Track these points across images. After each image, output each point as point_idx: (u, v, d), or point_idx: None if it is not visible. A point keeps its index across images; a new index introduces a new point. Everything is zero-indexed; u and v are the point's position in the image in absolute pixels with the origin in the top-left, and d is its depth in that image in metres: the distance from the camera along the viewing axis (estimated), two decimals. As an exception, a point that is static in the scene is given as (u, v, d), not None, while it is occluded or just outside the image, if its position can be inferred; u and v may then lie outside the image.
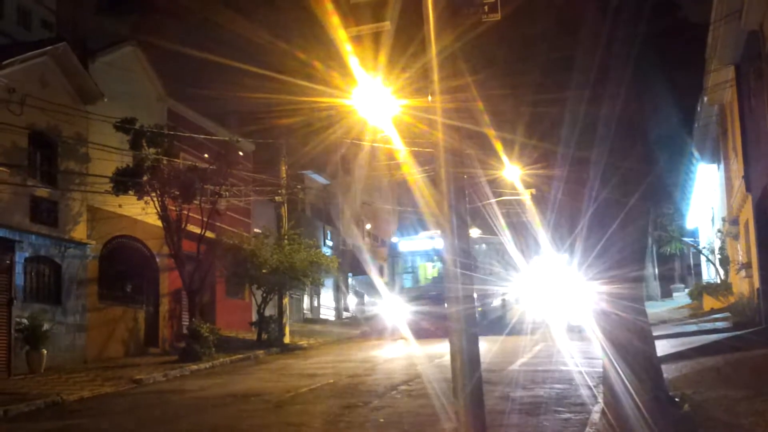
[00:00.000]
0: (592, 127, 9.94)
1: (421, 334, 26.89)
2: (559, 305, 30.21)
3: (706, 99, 23.76)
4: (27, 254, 22.66)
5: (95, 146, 24.11)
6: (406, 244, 34.36)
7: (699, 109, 25.79)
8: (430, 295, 29.19)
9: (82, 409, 15.99)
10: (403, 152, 21.02)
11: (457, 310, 4.64)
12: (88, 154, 25.03)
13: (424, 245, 32.82)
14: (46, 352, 21.87)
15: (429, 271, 33.37)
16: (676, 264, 54.77)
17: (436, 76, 5.04)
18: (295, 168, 37.29)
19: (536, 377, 16.62)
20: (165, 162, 25.21)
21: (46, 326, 22.07)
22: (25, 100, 22.11)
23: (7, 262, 21.75)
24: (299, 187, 36.12)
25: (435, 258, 30.83)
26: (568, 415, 12.22)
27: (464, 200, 4.99)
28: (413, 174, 23.68)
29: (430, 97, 5.20)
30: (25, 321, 21.70)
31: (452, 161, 5.07)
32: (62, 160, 24.68)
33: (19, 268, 22.16)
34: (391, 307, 32.01)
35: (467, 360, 4.61)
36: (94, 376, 20.50)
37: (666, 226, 39.30)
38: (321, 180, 44.38)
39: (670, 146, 30.45)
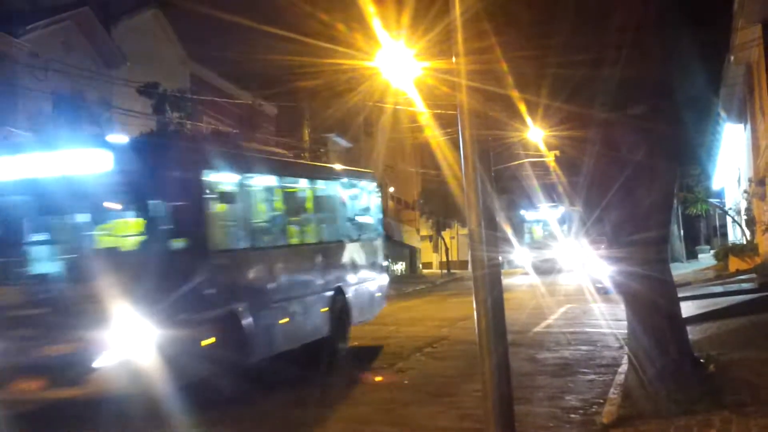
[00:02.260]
0: (620, 88, 9.83)
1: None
2: (588, 266, 30.20)
3: (732, 58, 23.42)
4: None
5: (119, 111, 24.20)
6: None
7: (725, 68, 25.45)
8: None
9: None
10: (425, 115, 20.90)
11: (482, 273, 4.62)
12: (112, 119, 25.12)
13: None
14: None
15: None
16: (702, 225, 54.42)
17: (460, 37, 4.98)
18: (318, 131, 37.24)
19: (561, 339, 16.63)
20: (189, 126, 25.26)
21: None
22: (49, 65, 22.18)
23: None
24: (322, 150, 36.10)
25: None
26: (593, 376, 12.24)
27: (489, 162, 4.95)
28: (436, 136, 23.57)
29: (454, 59, 5.13)
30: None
31: (476, 123, 5.01)
32: (86, 125, 24.78)
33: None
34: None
35: (493, 324, 4.60)
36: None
37: (692, 187, 39.01)
38: (344, 143, 44.30)
39: (696, 106, 30.11)
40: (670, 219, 11.68)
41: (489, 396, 4.65)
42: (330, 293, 15.04)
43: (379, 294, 17.85)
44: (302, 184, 15.31)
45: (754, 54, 22.45)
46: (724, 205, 41.36)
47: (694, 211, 41.24)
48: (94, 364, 9.79)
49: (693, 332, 13.19)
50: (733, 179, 37.44)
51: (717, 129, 33.79)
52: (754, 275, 24.21)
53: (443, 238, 52.10)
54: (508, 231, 38.10)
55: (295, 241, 14.69)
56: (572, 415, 9.75)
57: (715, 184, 42.01)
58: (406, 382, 12.67)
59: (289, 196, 14.69)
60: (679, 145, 15.92)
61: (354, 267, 16.51)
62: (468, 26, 5.14)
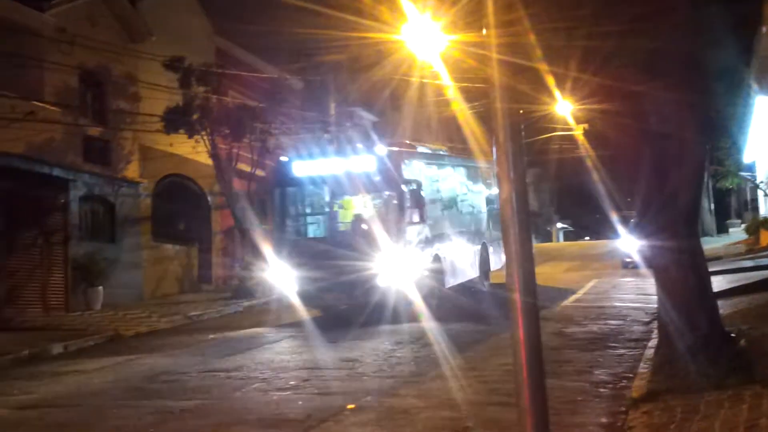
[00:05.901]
0: (649, 59, 9.69)
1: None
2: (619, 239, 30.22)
3: (765, 29, 23.04)
4: (81, 193, 22.98)
5: (145, 85, 24.21)
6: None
7: (758, 40, 25.04)
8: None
9: (139, 344, 16.31)
10: (451, 88, 20.77)
11: (514, 247, 4.59)
12: (138, 93, 25.15)
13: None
14: (102, 289, 22.29)
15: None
16: (733, 199, 53.80)
17: (490, 9, 4.88)
18: (344, 105, 37.10)
19: (589, 313, 16.56)
20: (214, 100, 25.24)
21: (102, 264, 22.46)
22: (75, 40, 22.20)
23: (62, 201, 22.08)
24: (348, 124, 35.98)
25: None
26: (622, 351, 12.17)
27: (520, 136, 4.88)
28: (462, 110, 23.42)
29: (484, 30, 5.04)
30: (81, 259, 22.10)
31: (506, 96, 4.93)
32: (113, 100, 24.85)
33: (74, 207, 22.50)
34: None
35: (523, 297, 4.55)
36: (149, 312, 20.87)
37: (722, 160, 38.54)
38: (370, 117, 44.14)
39: (727, 78, 29.65)
40: (700, 192, 11.55)
41: (520, 369, 4.60)
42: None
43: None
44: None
45: (788, 24, 22.05)
46: (756, 179, 40.86)
47: (725, 184, 40.80)
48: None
49: (723, 307, 13.06)
50: (764, 152, 36.94)
51: (748, 101, 33.29)
52: (785, 249, 23.95)
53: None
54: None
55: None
56: (601, 390, 9.70)
57: (747, 158, 41.42)
58: (434, 356, 12.67)
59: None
60: (710, 118, 15.71)
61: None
62: (497, -3, 5.04)
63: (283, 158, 19.50)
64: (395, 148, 18.94)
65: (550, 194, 71.00)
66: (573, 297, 19.72)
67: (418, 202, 17.81)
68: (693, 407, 7.78)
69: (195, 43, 28.41)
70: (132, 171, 25.48)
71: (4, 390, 12.12)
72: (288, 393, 10.48)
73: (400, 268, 16.73)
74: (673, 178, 9.96)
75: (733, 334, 10.72)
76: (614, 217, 32.49)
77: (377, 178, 17.24)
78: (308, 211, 19.21)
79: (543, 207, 67.81)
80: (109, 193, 24.43)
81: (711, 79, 14.51)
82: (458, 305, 18.20)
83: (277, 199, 18.63)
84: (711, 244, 34.17)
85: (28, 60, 20.30)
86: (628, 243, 26.78)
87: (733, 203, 54.47)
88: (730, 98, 31.96)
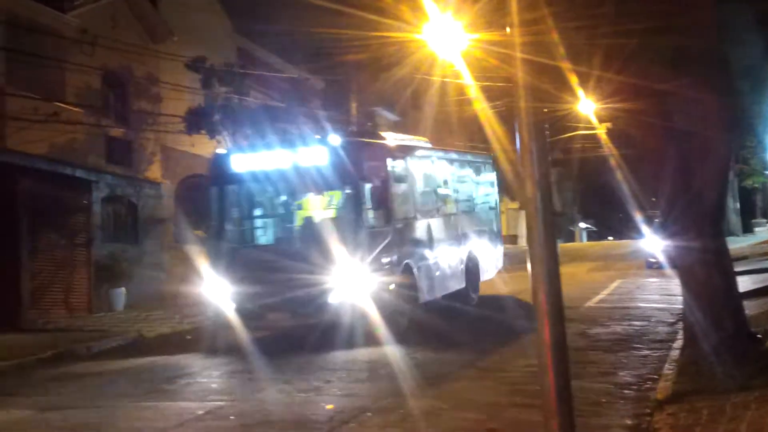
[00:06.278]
0: (673, 58, 9.61)
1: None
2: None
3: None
4: (103, 194, 23.07)
5: (167, 85, 24.29)
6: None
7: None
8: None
9: (162, 345, 16.32)
10: (473, 87, 20.70)
11: (538, 246, 4.54)
12: (159, 94, 25.23)
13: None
14: (125, 290, 22.36)
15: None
16: (758, 198, 53.31)
17: (514, 7, 4.84)
18: (365, 105, 37.08)
19: (613, 314, 16.43)
20: (236, 100, 25.28)
21: (124, 265, 22.53)
22: (97, 41, 22.28)
23: (85, 202, 22.17)
24: (369, 124, 35.96)
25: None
26: (646, 352, 12.07)
27: (544, 135, 4.84)
28: (484, 109, 23.33)
29: (507, 29, 5.00)
30: (104, 260, 22.18)
31: (529, 95, 4.90)
32: (135, 100, 24.94)
33: (96, 208, 22.59)
34: None
35: (549, 297, 4.50)
36: (172, 313, 20.88)
37: (748, 159, 38.30)
38: (391, 116, 44.11)
39: (752, 76, 29.41)
40: (725, 192, 11.45)
41: (546, 371, 4.55)
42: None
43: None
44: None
45: (813, 22, 21.82)
46: (782, 178, 40.53)
47: (751, 183, 40.50)
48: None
49: (749, 307, 12.92)
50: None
51: (774, 100, 33.05)
52: (811, 249, 23.72)
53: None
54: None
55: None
56: (626, 391, 9.62)
57: (772, 157, 41.13)
58: (456, 356, 12.62)
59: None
60: (734, 116, 15.56)
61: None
62: (521, -4, 5.00)
63: (220, 150, 17.24)
64: (355, 138, 16.80)
65: (572, 194, 70.66)
66: (597, 297, 19.59)
67: (383, 201, 15.03)
68: (719, 409, 7.70)
69: (216, 44, 28.45)
70: (154, 171, 25.57)
71: (28, 391, 12.17)
72: None
73: (359, 281, 14.10)
74: (698, 177, 9.88)
75: (759, 335, 10.62)
76: (638, 217, 32.28)
77: (331, 174, 14.51)
78: (250, 213, 16.51)
79: (566, 206, 67.48)
80: (132, 193, 24.52)
81: (736, 78, 14.39)
82: (432, 326, 15.47)
83: (214, 200, 15.70)
84: (736, 243, 33.85)
85: (50, 61, 20.39)
86: (653, 243, 26.60)
87: (758, 202, 53.98)
88: (755, 96, 31.72)
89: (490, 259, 20.89)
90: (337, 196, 15.65)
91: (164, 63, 24.71)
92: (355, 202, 14.72)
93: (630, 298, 19.46)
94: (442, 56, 20.01)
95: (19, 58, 19.61)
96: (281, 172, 14.89)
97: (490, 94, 22.54)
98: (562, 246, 42.01)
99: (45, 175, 20.51)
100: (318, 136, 15.78)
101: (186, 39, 26.00)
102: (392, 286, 14.91)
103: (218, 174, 15.67)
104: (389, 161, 15.85)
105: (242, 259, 15.20)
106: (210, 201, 15.74)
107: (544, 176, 4.68)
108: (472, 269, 19.22)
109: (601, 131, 35.11)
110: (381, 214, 15.00)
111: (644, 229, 29.64)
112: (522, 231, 50.76)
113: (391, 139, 17.32)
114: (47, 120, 20.11)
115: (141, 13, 25.04)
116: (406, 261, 15.67)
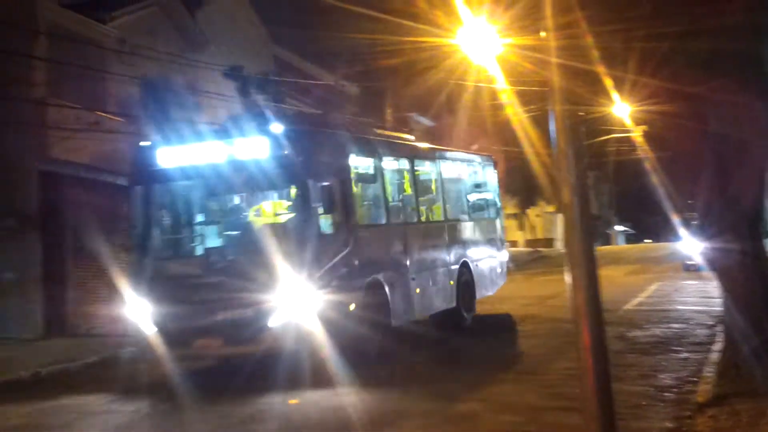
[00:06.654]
0: (708, 61, 9.60)
1: None
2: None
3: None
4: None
5: (205, 94, 24.53)
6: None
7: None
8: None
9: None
10: (508, 92, 20.66)
11: (577, 249, 4.60)
12: (198, 102, 25.48)
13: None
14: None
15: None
16: (796, 199, 52.65)
17: (549, 12, 4.91)
18: (400, 110, 37.16)
19: (652, 317, 16.38)
20: (272, 108, 25.45)
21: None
22: (136, 51, 22.57)
23: (126, 209, 22.39)
24: (404, 129, 36.02)
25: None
26: (686, 355, 12.05)
27: (580, 138, 4.90)
28: (518, 114, 23.33)
29: (542, 33, 5.08)
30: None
31: (565, 98, 4.97)
32: (174, 109, 25.18)
33: (137, 215, 22.80)
34: None
35: (589, 299, 4.56)
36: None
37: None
38: (426, 122, 44.12)
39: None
40: (763, 194, 11.38)
41: (586, 374, 4.60)
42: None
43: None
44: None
45: None
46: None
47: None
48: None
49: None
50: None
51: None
52: None
53: (528, 216, 51.70)
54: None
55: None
56: (666, 394, 9.62)
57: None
58: (494, 360, 12.65)
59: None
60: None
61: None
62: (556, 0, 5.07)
63: (142, 143, 13.62)
64: (306, 128, 14.20)
65: (608, 197, 70.25)
66: (635, 300, 19.52)
67: (343, 203, 12.60)
68: (759, 411, 7.70)
69: (253, 52, 28.72)
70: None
71: (74, 396, 12.18)
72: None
73: (306, 300, 11.47)
74: (735, 179, 9.85)
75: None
76: (675, 219, 32.01)
77: (274, 170, 11.78)
78: (177, 218, 13.76)
79: (602, 210, 67.10)
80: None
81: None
82: (407, 357, 13.05)
83: (137, 203, 13.16)
84: (775, 245, 33.44)
85: (91, 71, 20.68)
86: (690, 245, 26.42)
87: (797, 204, 53.26)
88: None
89: (489, 273, 18.38)
90: (283, 198, 13.20)
91: (202, 71, 24.96)
92: (303, 204, 11.90)
93: (668, 300, 19.38)
94: (476, 61, 20.05)
95: (60, 68, 19.91)
96: (215, 168, 12.18)
97: (524, 98, 22.56)
98: (598, 249, 41.73)
99: (88, 183, 20.81)
100: (261, 125, 12.67)
101: (224, 48, 26.29)
102: (353, 307, 12.28)
103: (139, 170, 13.09)
104: (353, 157, 13.59)
105: (165, 272, 12.60)
106: (131, 203, 13.30)
107: (581, 180, 4.73)
108: (465, 285, 16.66)
109: (637, 134, 34.85)
110: (340, 219, 12.49)
111: (681, 231, 29.42)
112: (558, 234, 50.59)
113: (357, 131, 15.14)
114: (89, 129, 20.40)
115: (179, 24, 25.33)
116: (374, 276, 13.11)
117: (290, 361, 11.53)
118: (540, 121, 21.97)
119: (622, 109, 31.52)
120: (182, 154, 12.63)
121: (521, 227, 52.79)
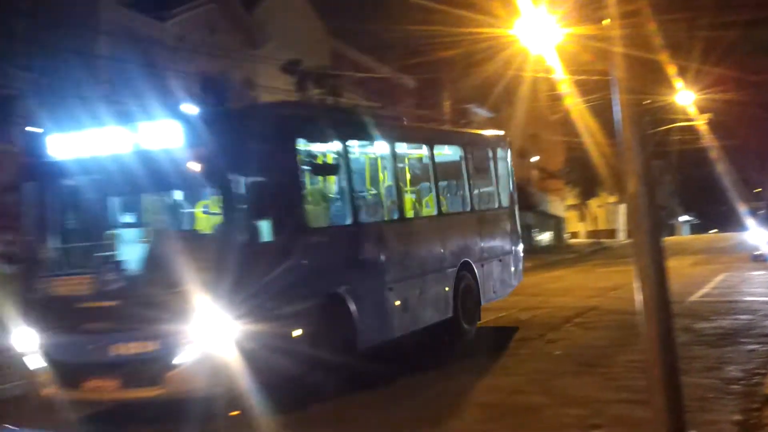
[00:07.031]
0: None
1: None
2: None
3: None
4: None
5: (263, 88, 24.74)
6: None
7: None
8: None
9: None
10: (567, 82, 20.44)
11: (644, 239, 4.53)
12: (257, 97, 25.70)
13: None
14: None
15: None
16: None
17: (611, 0, 4.84)
18: (458, 102, 37.07)
19: (718, 308, 16.08)
20: (330, 101, 25.54)
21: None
22: (195, 47, 22.87)
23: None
24: (463, 121, 35.92)
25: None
26: (753, 346, 11.80)
27: (644, 127, 4.82)
28: (577, 104, 23.08)
29: (604, 22, 5.01)
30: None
31: (628, 88, 4.89)
32: (233, 103, 25.45)
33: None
34: None
35: (656, 290, 4.49)
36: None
37: None
38: (484, 113, 43.96)
39: None
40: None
41: (654, 366, 4.53)
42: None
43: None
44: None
45: None
46: None
47: None
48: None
49: None
50: None
51: None
52: None
53: (589, 207, 51.24)
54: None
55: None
56: (733, 386, 9.43)
57: None
58: (557, 352, 12.53)
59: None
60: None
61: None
62: (618, -12, 5.00)
63: (33, 129, 10.59)
64: (230, 107, 10.96)
65: (673, 186, 69.29)
66: (700, 292, 19.18)
67: (284, 204, 9.87)
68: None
69: (310, 46, 28.85)
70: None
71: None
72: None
73: (228, 330, 8.80)
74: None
75: None
76: (741, 209, 31.50)
77: (188, 163, 9.08)
78: (66, 224, 10.46)
79: (666, 200, 66.22)
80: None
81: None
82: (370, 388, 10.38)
83: (27, 203, 10.20)
84: None
85: (151, 68, 21.00)
86: (757, 235, 25.93)
87: None
88: None
89: (500, 273, 15.70)
90: (201, 197, 10.38)
91: (259, 66, 25.17)
92: (225, 206, 9.20)
93: (735, 291, 19.02)
94: (534, 51, 19.90)
95: (122, 66, 20.26)
96: (117, 160, 9.39)
97: (584, 88, 22.34)
98: (664, 240, 41.14)
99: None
100: (171, 106, 10.46)
101: (281, 42, 26.47)
102: (298, 333, 9.71)
103: (29, 164, 10.23)
104: (301, 141, 10.63)
105: (54, 291, 9.74)
106: (22, 203, 10.29)
107: (646, 170, 4.66)
108: (466, 290, 14.06)
109: (702, 123, 34.32)
110: (279, 223, 9.67)
111: (748, 221, 28.91)
112: (621, 225, 50.02)
113: (312, 106, 12.35)
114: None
115: (236, 20, 25.60)
116: (333, 290, 10.65)
117: (203, 409, 8.94)
118: (600, 111, 21.74)
119: (686, 98, 31.04)
120: (78, 142, 9.77)
121: (582, 218, 52.32)
